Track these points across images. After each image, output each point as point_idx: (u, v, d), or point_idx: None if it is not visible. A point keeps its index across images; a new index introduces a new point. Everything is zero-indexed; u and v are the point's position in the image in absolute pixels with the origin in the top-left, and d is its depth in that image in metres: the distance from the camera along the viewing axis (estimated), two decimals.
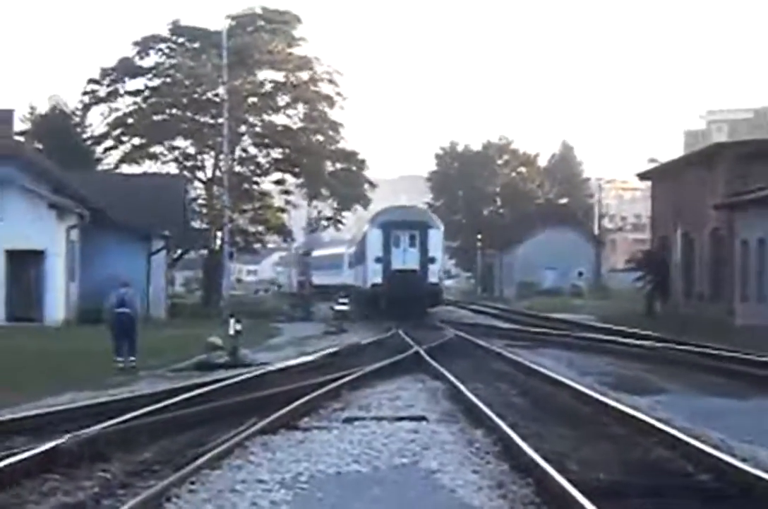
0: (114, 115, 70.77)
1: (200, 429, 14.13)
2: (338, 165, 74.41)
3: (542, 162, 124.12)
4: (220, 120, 58.57)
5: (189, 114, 70.26)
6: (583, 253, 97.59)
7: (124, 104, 71.05)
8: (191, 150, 71.97)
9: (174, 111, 70.45)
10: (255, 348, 30.41)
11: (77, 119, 72.96)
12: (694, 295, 49.22)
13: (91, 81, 70.77)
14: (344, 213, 77.57)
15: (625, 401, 17.15)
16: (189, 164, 71.89)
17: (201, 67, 67.31)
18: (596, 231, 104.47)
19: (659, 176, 56.48)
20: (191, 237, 64.01)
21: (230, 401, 16.43)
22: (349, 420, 15.38)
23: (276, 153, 73.64)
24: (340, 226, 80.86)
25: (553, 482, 9.96)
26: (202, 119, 69.91)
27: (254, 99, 71.88)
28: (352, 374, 20.47)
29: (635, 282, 55.53)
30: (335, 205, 76.13)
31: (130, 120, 70.55)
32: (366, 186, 75.42)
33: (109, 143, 71.50)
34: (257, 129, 72.75)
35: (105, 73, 70.66)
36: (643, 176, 61.34)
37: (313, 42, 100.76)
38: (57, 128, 68.15)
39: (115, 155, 71.71)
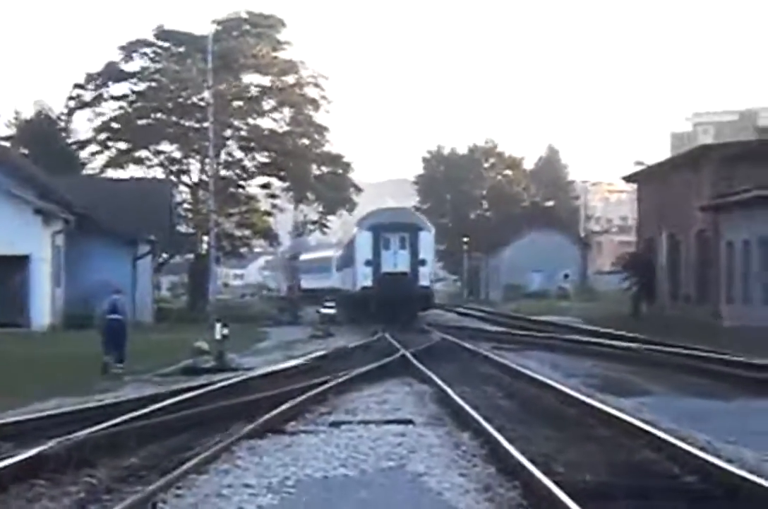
0: (99, 119, 70.86)
1: (187, 434, 14.11)
2: (324, 169, 74.47)
3: (528, 165, 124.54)
4: (206, 124, 58.54)
5: (174, 118, 70.27)
6: (569, 255, 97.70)
7: (110, 109, 71.17)
8: (177, 154, 72.05)
9: (159, 115, 70.47)
10: (242, 352, 30.39)
11: (62, 124, 72.92)
12: (680, 297, 49.32)
13: (77, 86, 70.77)
14: (330, 217, 77.62)
15: (611, 403, 17.18)
16: (174, 168, 71.92)
17: (186, 72, 67.34)
18: (582, 234, 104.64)
19: (645, 179, 56.59)
20: (177, 241, 63.95)
21: (217, 405, 16.40)
22: (335, 424, 15.37)
23: (262, 157, 73.73)
24: (326, 230, 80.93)
25: (540, 484, 9.97)
26: (188, 124, 69.91)
27: (240, 103, 71.92)
28: (339, 378, 20.47)
29: (621, 284, 55.61)
30: (321, 209, 76.18)
31: (115, 125, 70.53)
32: (352, 190, 75.47)
33: (94, 147, 71.53)
34: (243, 133, 72.81)
35: (90, 77, 70.64)
36: (629, 179, 61.45)
37: (298, 46, 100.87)
38: (42, 133, 68.07)
39: (100, 160, 71.77)
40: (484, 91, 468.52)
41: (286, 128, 73.74)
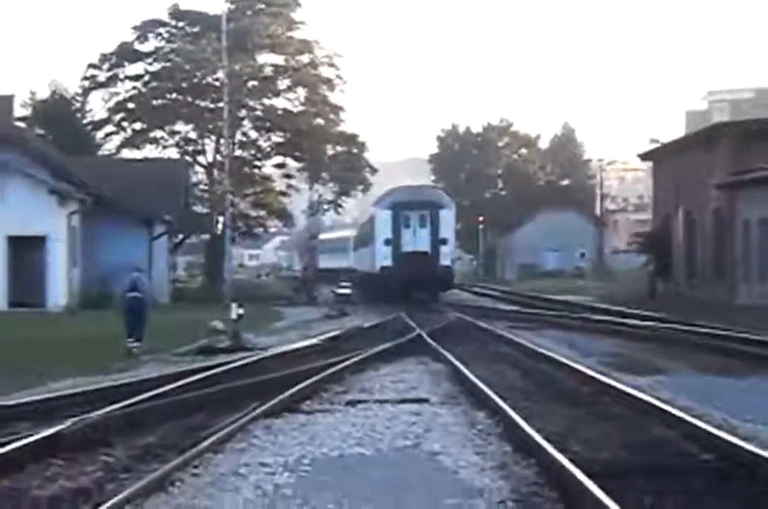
0: (114, 100, 70.94)
1: (203, 413, 14.13)
2: (339, 148, 74.36)
3: (543, 144, 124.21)
4: (221, 104, 58.54)
5: (189, 99, 70.25)
6: (585, 234, 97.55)
7: (124, 89, 71.24)
8: (192, 135, 72.04)
9: (174, 96, 70.46)
10: (257, 332, 30.43)
11: (77, 105, 72.99)
12: (696, 275, 49.20)
13: (91, 66, 70.82)
14: (345, 198, 77.54)
15: (627, 381, 17.16)
16: (190, 148, 71.94)
17: (201, 52, 67.24)
18: (598, 212, 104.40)
19: (661, 157, 56.39)
20: (193, 222, 64.04)
21: (233, 385, 16.43)
22: (351, 403, 15.39)
23: (277, 137, 73.68)
24: (340, 210, 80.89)
25: (556, 462, 9.97)
26: (203, 104, 69.92)
27: (254, 83, 71.83)
28: (355, 358, 20.49)
29: (637, 263, 55.45)
30: (336, 189, 76.12)
31: (130, 105, 70.58)
32: (367, 170, 75.34)
33: (109, 128, 71.59)
34: (258, 113, 72.74)
35: (105, 58, 70.66)
36: (644, 157, 61.21)
37: (313, 25, 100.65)
38: (57, 114, 68.13)
39: (115, 140, 71.92)
40: (499, 69, 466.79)
41: (300, 108, 73.66)
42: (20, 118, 63.84)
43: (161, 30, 71.24)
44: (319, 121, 73.72)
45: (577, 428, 12.93)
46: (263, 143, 74.08)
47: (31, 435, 11.59)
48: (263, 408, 14.10)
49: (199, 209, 70.98)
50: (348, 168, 73.48)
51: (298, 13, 72.92)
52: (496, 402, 14.16)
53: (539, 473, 10.28)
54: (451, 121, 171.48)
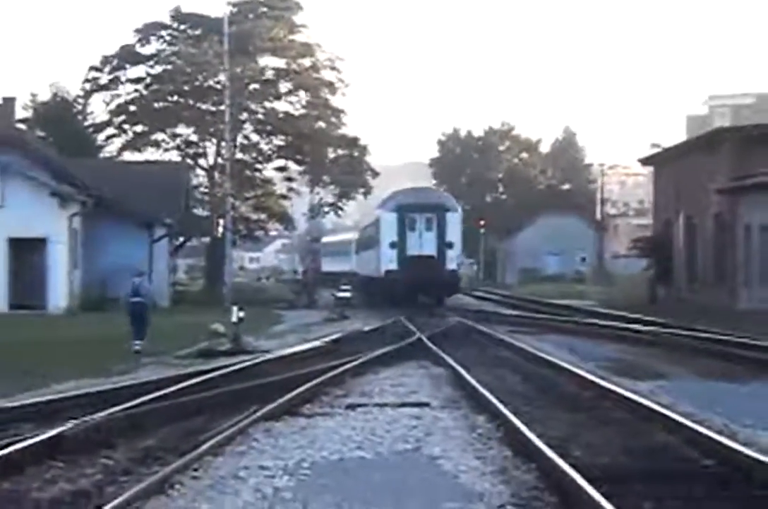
0: (115, 102, 70.93)
1: (203, 416, 14.14)
2: (340, 151, 74.38)
3: (545, 148, 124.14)
4: (222, 107, 58.56)
5: (191, 101, 70.29)
6: (586, 239, 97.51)
7: (126, 92, 71.27)
8: (193, 137, 72.09)
9: (175, 98, 70.49)
10: (258, 335, 30.43)
11: (79, 107, 72.98)
12: (697, 280, 49.21)
13: (93, 68, 70.82)
14: (346, 201, 77.53)
15: (628, 386, 17.16)
16: (191, 151, 71.97)
17: (202, 55, 67.28)
18: (599, 217, 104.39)
19: (662, 162, 56.41)
20: (194, 225, 64.04)
21: (233, 388, 16.43)
22: (351, 407, 15.39)
23: (278, 140, 73.71)
24: (341, 212, 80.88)
25: (556, 467, 9.97)
26: (204, 106, 69.95)
27: (256, 86, 71.87)
28: (355, 361, 20.49)
29: (638, 267, 55.43)
30: (337, 192, 76.12)
31: (131, 107, 70.60)
32: (368, 173, 75.34)
33: (110, 130, 71.62)
34: (259, 116, 72.78)
35: (106, 60, 70.69)
36: (645, 162, 61.25)
37: (314, 28, 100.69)
38: (58, 116, 68.16)
39: (117, 143, 71.89)
40: (500, 73, 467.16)
41: (302, 111, 73.70)
42: (21, 121, 63.86)
43: (163, 33, 71.30)
44: (321, 124, 73.75)
45: (577, 433, 12.93)
46: (264, 146, 74.17)
47: (32, 437, 11.59)
48: (263, 411, 14.11)
49: (199, 211, 71.02)
50: (349, 171, 73.51)
51: (300, 17, 73.06)
52: (496, 406, 14.16)
53: (539, 477, 10.28)
54: (452, 125, 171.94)
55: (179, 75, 69.10)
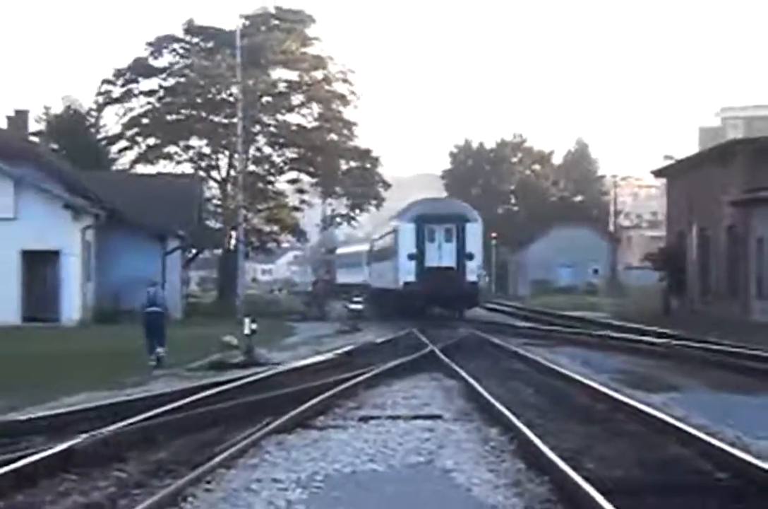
0: (128, 115, 71.03)
1: (216, 429, 14.15)
2: (352, 163, 74.42)
3: (557, 160, 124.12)
4: (235, 120, 58.62)
5: (203, 114, 70.41)
6: (599, 251, 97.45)
7: (139, 104, 71.36)
8: (206, 150, 72.17)
9: (188, 111, 70.61)
10: (270, 347, 30.42)
11: (92, 120, 73.20)
12: (710, 292, 49.11)
13: (106, 81, 71.00)
14: (358, 211, 77.54)
15: (641, 398, 17.13)
16: (204, 163, 72.06)
17: (215, 67, 67.41)
18: (611, 229, 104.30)
19: (675, 173, 56.35)
20: (206, 237, 64.13)
21: (245, 400, 16.44)
22: (364, 419, 15.38)
23: (290, 152, 73.75)
24: (354, 223, 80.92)
25: (569, 480, 9.95)
26: (217, 119, 70.04)
27: (268, 98, 71.98)
28: (367, 373, 20.47)
29: (651, 279, 55.31)
30: (348, 203, 76.13)
31: (144, 120, 70.74)
32: (380, 185, 75.34)
33: (123, 143, 71.71)
34: (271, 128, 72.86)
35: (119, 73, 70.87)
36: (658, 173, 61.19)
37: (326, 41, 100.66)
38: (71, 129, 68.38)
39: (129, 155, 71.98)
40: (513, 85, 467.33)
41: (314, 124, 73.76)
42: (35, 133, 64.15)
43: (176, 45, 71.49)
44: (333, 136, 73.81)
45: (591, 445, 12.90)
46: (277, 159, 74.22)
47: (44, 450, 11.60)
48: (276, 423, 14.10)
49: (212, 224, 71.11)
50: (361, 183, 73.54)
51: (312, 29, 73.14)
52: (509, 418, 14.14)
53: (553, 490, 10.26)
54: (464, 136, 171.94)
55: (192, 88, 69.25)
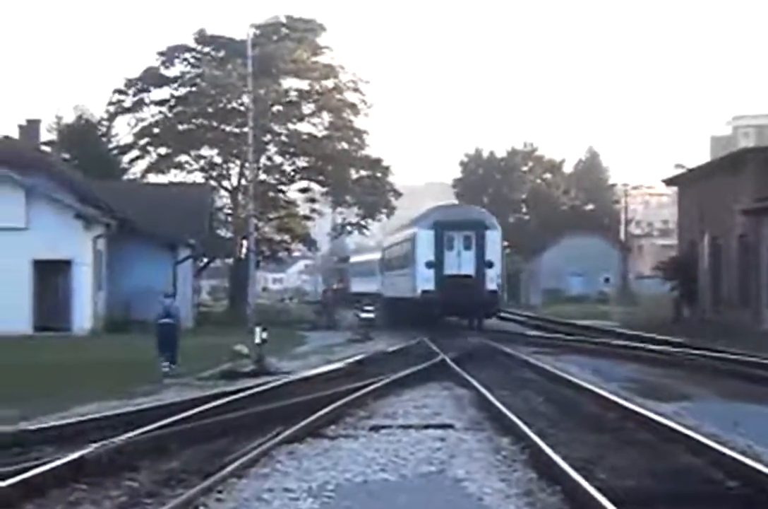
0: (140, 125, 71.14)
1: (227, 438, 14.15)
2: (363, 172, 74.40)
3: (568, 168, 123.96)
4: (246, 129, 58.68)
5: (214, 123, 70.49)
6: (610, 259, 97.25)
7: (150, 114, 71.45)
8: (217, 159, 72.25)
9: (199, 120, 70.68)
10: (281, 356, 30.42)
11: (103, 129, 73.33)
12: (721, 301, 48.99)
13: (117, 91, 71.14)
14: (369, 220, 77.49)
15: (652, 407, 17.09)
16: (215, 173, 72.14)
17: (226, 77, 67.51)
18: (622, 237, 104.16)
19: (686, 182, 56.24)
20: (217, 246, 64.16)
21: (256, 409, 16.43)
22: (375, 428, 15.37)
23: (301, 161, 73.77)
24: (365, 232, 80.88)
25: (581, 490, 9.93)
26: (228, 128, 70.13)
27: (279, 108, 72.03)
28: (378, 382, 20.46)
29: (662, 288, 55.18)
30: (360, 212, 76.09)
31: (155, 130, 70.87)
32: (391, 194, 75.30)
33: (135, 153, 71.83)
34: (282, 138, 72.88)
35: (130, 83, 71.00)
36: (669, 182, 61.08)
37: (337, 50, 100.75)
38: (83, 138, 68.51)
39: (141, 165, 72.08)
40: (524, 93, 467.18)
41: (325, 133, 73.77)
42: (46, 143, 64.26)
43: (187, 55, 71.60)
44: (344, 145, 73.80)
45: (602, 454, 12.88)
46: (288, 168, 74.23)
47: (55, 460, 11.61)
48: (287, 432, 14.10)
49: (223, 233, 71.18)
50: (372, 192, 73.49)
51: (323, 38, 73.18)
52: (521, 427, 14.12)
53: (564, 500, 10.24)
54: (474, 145, 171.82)
55: (203, 97, 69.35)
